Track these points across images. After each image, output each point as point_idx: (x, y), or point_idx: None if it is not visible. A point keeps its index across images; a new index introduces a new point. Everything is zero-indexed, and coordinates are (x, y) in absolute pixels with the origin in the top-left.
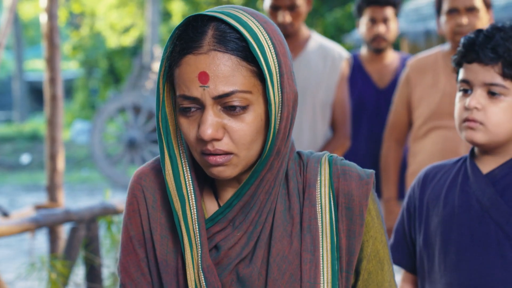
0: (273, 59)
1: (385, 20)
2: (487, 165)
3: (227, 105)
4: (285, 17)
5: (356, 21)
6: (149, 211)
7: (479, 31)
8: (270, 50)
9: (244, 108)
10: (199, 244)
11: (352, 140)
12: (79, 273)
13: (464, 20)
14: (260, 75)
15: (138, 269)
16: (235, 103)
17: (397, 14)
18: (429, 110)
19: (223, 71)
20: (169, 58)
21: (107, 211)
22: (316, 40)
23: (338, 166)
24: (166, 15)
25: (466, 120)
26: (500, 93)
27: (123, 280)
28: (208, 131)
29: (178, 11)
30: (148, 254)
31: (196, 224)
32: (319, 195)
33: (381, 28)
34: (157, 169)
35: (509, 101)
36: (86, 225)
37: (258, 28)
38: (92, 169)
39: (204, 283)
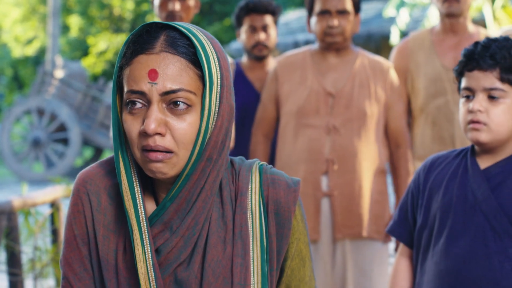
0: (216, 70)
1: (264, 28)
2: (485, 162)
3: (172, 101)
4: (175, 5)
5: (237, 31)
6: (94, 213)
7: (477, 43)
8: (214, 62)
9: (187, 108)
10: (147, 241)
11: (236, 146)
12: (1, 260)
13: (335, 22)
14: (203, 81)
15: (81, 264)
16: (179, 101)
17: (276, 22)
18: (296, 106)
19: (171, 70)
20: (121, 61)
21: (26, 204)
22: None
23: (268, 175)
24: (65, 28)
25: (471, 122)
26: (499, 96)
27: (66, 274)
28: (152, 125)
29: (76, 25)
30: (91, 252)
31: (145, 224)
32: (250, 202)
33: (261, 36)
34: (101, 174)
35: (507, 103)
36: (7, 216)
37: (206, 41)
38: (0, 165)
39: (153, 277)
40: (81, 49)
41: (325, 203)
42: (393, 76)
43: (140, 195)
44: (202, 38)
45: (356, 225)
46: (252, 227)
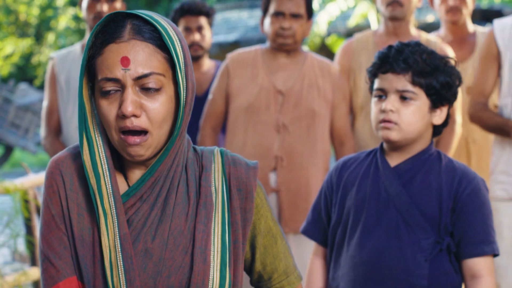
0: (181, 51)
1: (199, 29)
2: (394, 160)
3: (144, 86)
4: (103, 7)
5: None
6: (67, 193)
7: (390, 46)
8: (178, 43)
9: (158, 90)
10: (115, 214)
11: None
12: None
13: (288, 24)
14: (170, 63)
15: (61, 242)
16: (151, 85)
17: (210, 23)
18: (247, 102)
19: (142, 56)
20: (90, 51)
21: None
22: None
23: (229, 156)
24: None
25: (383, 121)
26: (410, 98)
27: (47, 254)
28: (129, 108)
29: None
30: (67, 230)
31: (112, 197)
32: (213, 179)
33: (196, 36)
34: (72, 156)
35: (418, 104)
36: None
37: (167, 25)
38: None
39: (119, 249)
40: None
41: (273, 198)
42: (340, 77)
43: (107, 173)
44: (164, 23)
45: (302, 220)
46: (215, 200)
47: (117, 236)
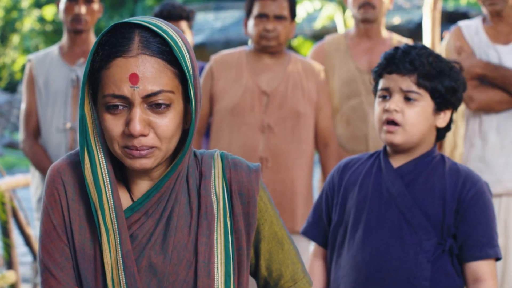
0: (190, 63)
1: None
2: (397, 161)
3: (153, 103)
4: (81, 8)
5: None
6: (69, 203)
7: (397, 48)
8: (187, 56)
9: (168, 106)
10: (117, 231)
11: None
12: None
13: (272, 26)
14: (179, 77)
15: (62, 254)
16: (161, 101)
17: (190, 27)
18: (232, 103)
19: (151, 73)
20: (94, 63)
21: None
22: None
23: (229, 160)
24: None
25: (386, 122)
26: (414, 99)
27: (47, 265)
28: (137, 127)
29: None
30: (69, 241)
31: (114, 213)
32: (213, 186)
33: None
34: (73, 164)
35: (422, 106)
36: None
37: (176, 37)
38: None
39: (122, 267)
40: None
41: None
42: (324, 78)
43: (109, 187)
44: (173, 34)
45: (288, 221)
46: (217, 209)
47: (119, 254)
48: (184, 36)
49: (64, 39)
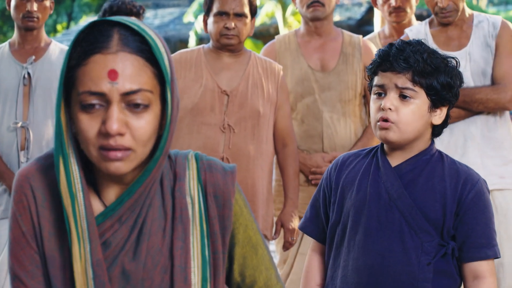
0: (168, 65)
1: None
2: (395, 159)
3: (131, 102)
4: (33, 6)
5: None
6: (38, 209)
7: (391, 44)
8: (165, 57)
9: (146, 106)
10: (87, 239)
11: None
12: None
13: (232, 24)
14: (158, 78)
15: (32, 261)
16: (139, 101)
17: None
18: (192, 103)
19: (131, 70)
20: (70, 61)
21: None
22: (57, 44)
23: (204, 161)
24: None
25: (381, 120)
26: (410, 96)
27: (18, 273)
28: (114, 126)
29: None
30: (38, 248)
31: (85, 220)
32: (188, 188)
33: None
34: (42, 169)
35: (417, 103)
36: None
37: (155, 37)
38: None
39: (91, 276)
40: None
41: None
42: (283, 77)
43: (81, 193)
44: (152, 34)
45: None
46: (192, 212)
47: (89, 263)
48: (163, 39)
49: (15, 36)
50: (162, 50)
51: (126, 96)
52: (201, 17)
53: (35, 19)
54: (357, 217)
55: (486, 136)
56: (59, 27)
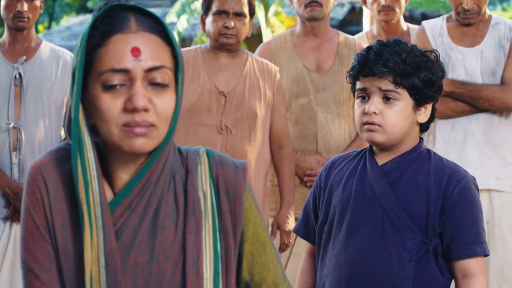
0: (179, 48)
1: None
2: (382, 159)
3: (153, 81)
4: (23, 6)
5: None
6: (51, 202)
7: (369, 48)
8: (176, 39)
9: (165, 86)
10: (100, 226)
11: None
12: None
13: (231, 23)
14: (173, 59)
15: (46, 254)
16: (159, 80)
17: None
18: (189, 104)
19: (152, 48)
20: (87, 45)
21: None
22: (47, 44)
23: (216, 157)
24: None
25: (366, 123)
26: (394, 98)
27: (31, 266)
28: (140, 101)
29: None
30: (52, 241)
31: (99, 207)
32: (200, 183)
33: None
34: (54, 162)
35: (401, 105)
36: None
37: (164, 21)
38: None
39: (103, 264)
40: None
41: None
42: (279, 78)
43: (96, 180)
44: (162, 19)
45: None
46: (204, 206)
47: (101, 250)
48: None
49: (5, 36)
50: (172, 34)
51: (149, 72)
52: (183, 17)
53: (26, 19)
54: (342, 215)
55: (487, 135)
56: (40, 27)
